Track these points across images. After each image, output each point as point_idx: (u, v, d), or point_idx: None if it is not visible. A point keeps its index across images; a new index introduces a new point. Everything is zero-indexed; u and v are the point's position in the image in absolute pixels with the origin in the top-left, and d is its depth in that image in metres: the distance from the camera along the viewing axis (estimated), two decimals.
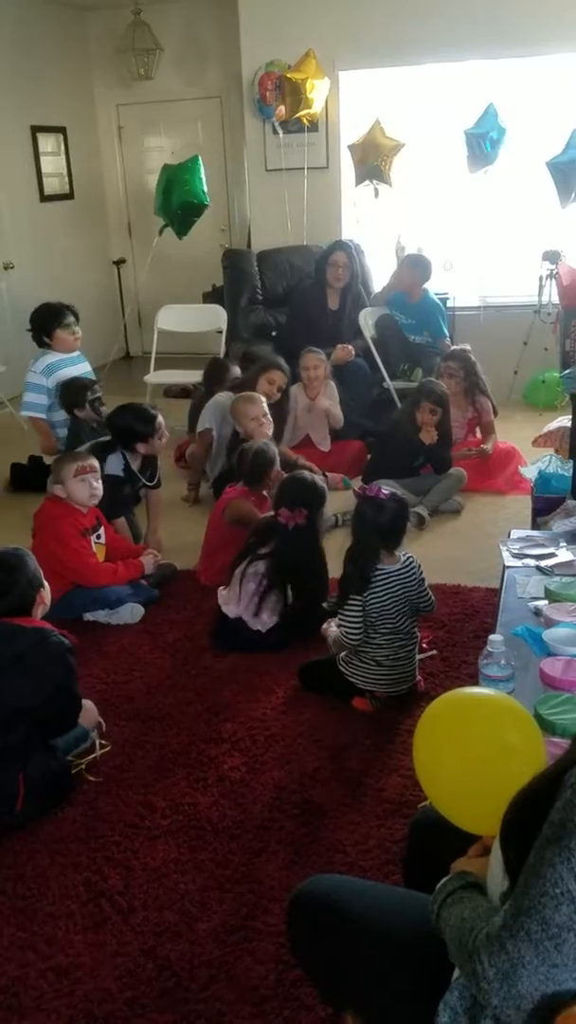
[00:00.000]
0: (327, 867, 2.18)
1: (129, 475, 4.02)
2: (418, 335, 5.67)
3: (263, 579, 3.21)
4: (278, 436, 4.63)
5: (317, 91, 5.89)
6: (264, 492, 3.79)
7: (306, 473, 3.53)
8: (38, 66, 7.26)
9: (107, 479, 3.79)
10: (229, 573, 3.31)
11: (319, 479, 3.49)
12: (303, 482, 3.37)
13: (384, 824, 2.33)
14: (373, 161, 5.84)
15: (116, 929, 2.06)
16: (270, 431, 4.31)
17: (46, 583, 2.60)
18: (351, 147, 5.97)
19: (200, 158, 6.22)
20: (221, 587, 3.36)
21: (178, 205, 6.14)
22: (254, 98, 6.30)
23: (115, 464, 3.96)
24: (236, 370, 5.15)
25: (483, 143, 5.74)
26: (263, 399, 4.40)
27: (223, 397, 4.72)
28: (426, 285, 5.63)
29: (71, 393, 4.71)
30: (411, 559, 2.84)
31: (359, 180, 6.03)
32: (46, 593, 2.59)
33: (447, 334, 5.62)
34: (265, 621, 3.24)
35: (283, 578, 3.24)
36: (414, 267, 5.63)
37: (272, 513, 3.33)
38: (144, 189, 8.34)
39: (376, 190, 6.04)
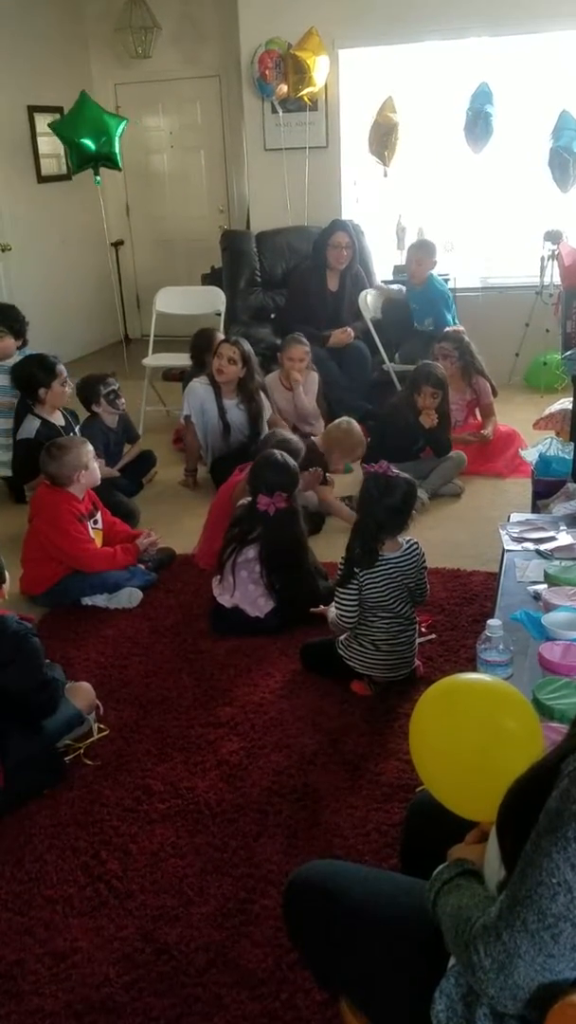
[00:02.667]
0: (325, 851, 2.19)
1: (48, 431, 4.08)
2: (423, 322, 5.62)
3: (257, 567, 3.19)
4: (253, 430, 4.58)
5: (318, 69, 5.82)
6: None
7: (276, 453, 3.34)
8: (35, 45, 7.17)
9: (20, 443, 4.02)
10: (218, 564, 3.28)
11: (290, 458, 3.34)
12: (275, 464, 3.26)
13: (382, 808, 2.32)
14: (381, 141, 5.78)
15: (114, 913, 2.06)
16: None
17: (8, 577, 2.63)
18: (374, 124, 5.89)
19: (86, 94, 5.91)
20: (215, 577, 3.33)
21: (89, 148, 5.78)
22: (254, 76, 6.22)
23: (29, 427, 4.12)
24: (221, 336, 5.09)
25: (482, 120, 5.68)
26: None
27: (197, 383, 4.67)
28: (432, 271, 5.56)
29: (85, 388, 4.57)
30: (414, 546, 2.81)
31: (373, 154, 5.99)
32: (5, 588, 2.62)
33: (452, 323, 5.50)
34: (262, 606, 3.22)
35: (278, 563, 3.21)
36: (415, 250, 5.57)
37: (248, 500, 3.28)
38: (143, 169, 8.28)
39: (385, 170, 5.98)
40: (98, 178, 5.91)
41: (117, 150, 5.76)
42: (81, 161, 5.72)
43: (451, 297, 5.63)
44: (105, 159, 5.78)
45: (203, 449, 4.76)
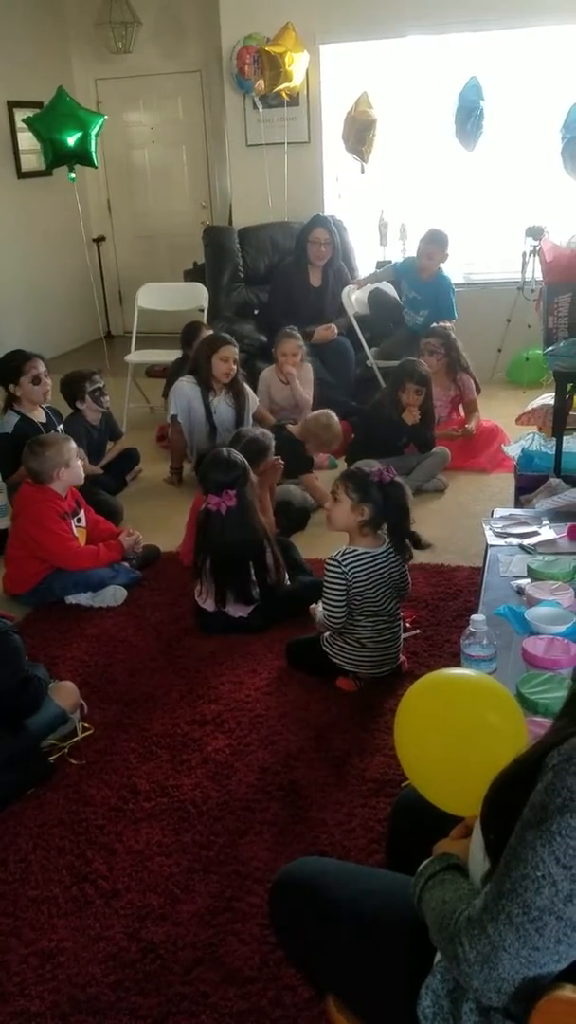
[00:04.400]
0: (311, 847, 2.19)
1: (27, 428, 4.06)
2: (418, 312, 5.58)
3: (211, 575, 3.17)
4: (240, 419, 4.57)
5: (297, 65, 5.80)
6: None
7: (222, 451, 3.30)
8: (15, 40, 7.12)
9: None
10: (193, 569, 3.26)
11: (237, 454, 3.29)
12: (219, 462, 3.23)
13: (367, 804, 2.33)
14: (357, 136, 5.77)
15: (100, 913, 2.05)
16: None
17: None
18: (348, 118, 5.87)
19: (63, 89, 5.86)
20: (194, 585, 3.30)
21: (78, 139, 5.66)
22: (232, 72, 6.20)
23: (7, 423, 4.09)
24: (208, 330, 5.08)
25: (473, 117, 5.67)
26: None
27: (184, 382, 4.63)
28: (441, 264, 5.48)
29: (70, 385, 4.53)
30: None
31: (348, 151, 5.96)
32: None
33: (456, 316, 5.44)
34: (245, 607, 3.21)
35: (234, 565, 3.17)
36: (426, 243, 5.44)
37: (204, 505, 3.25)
38: (124, 165, 8.23)
39: (362, 166, 5.97)
40: (72, 175, 5.85)
41: (93, 148, 5.70)
42: (56, 158, 5.66)
43: (452, 294, 5.60)
44: (81, 156, 5.73)
45: (188, 447, 4.75)
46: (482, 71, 5.74)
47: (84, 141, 5.59)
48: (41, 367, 4.15)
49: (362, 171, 6.02)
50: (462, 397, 5.04)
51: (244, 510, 3.18)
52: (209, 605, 3.22)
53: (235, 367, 4.51)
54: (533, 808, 1.01)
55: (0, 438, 4.06)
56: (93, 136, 5.62)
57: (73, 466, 3.53)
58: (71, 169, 5.77)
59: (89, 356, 7.44)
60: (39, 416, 4.21)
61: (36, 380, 4.11)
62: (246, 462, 3.27)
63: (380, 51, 6.18)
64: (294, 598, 3.26)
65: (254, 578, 3.21)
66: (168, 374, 5.39)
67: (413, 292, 5.56)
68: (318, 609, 2.98)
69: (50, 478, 3.48)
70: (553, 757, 1.02)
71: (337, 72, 6.26)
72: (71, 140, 5.55)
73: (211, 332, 4.96)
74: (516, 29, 5.83)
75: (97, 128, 5.67)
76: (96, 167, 5.92)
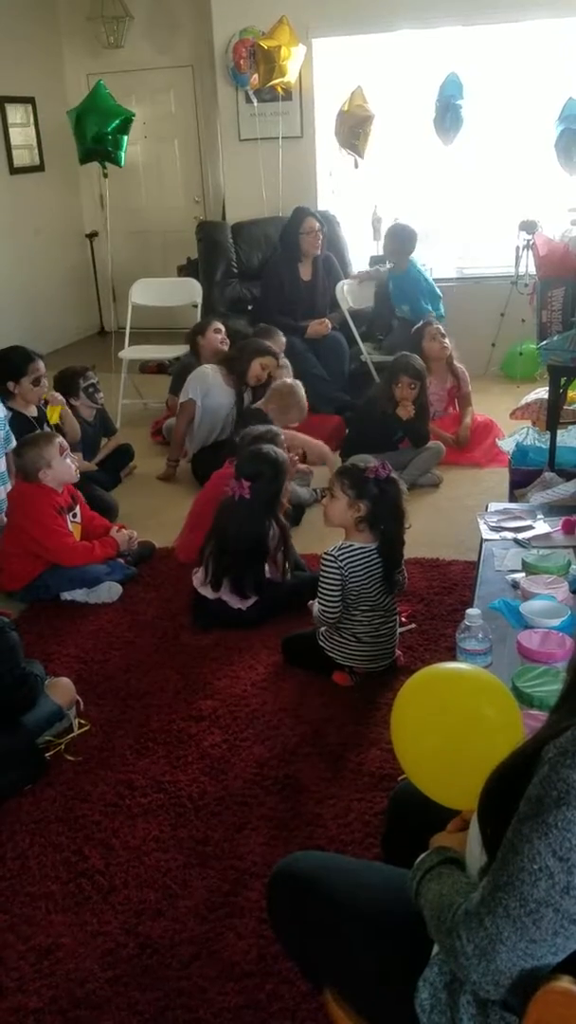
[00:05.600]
0: (308, 842, 2.19)
1: (20, 424, 4.02)
2: (400, 305, 5.61)
3: (211, 557, 3.18)
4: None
5: (292, 59, 5.78)
6: None
7: (266, 445, 3.35)
8: (5, 35, 7.08)
9: None
10: (199, 554, 3.27)
11: (278, 451, 3.33)
12: (256, 453, 3.27)
13: (364, 798, 2.33)
14: (351, 131, 5.76)
15: (97, 908, 2.05)
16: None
17: None
18: (340, 114, 5.86)
19: (102, 82, 5.92)
20: (195, 569, 3.32)
21: (95, 136, 5.65)
22: (228, 66, 6.18)
23: None
24: (218, 324, 5.14)
25: (451, 112, 5.68)
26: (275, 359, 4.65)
27: (208, 368, 4.66)
28: (413, 256, 5.54)
29: (64, 381, 4.51)
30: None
31: (341, 147, 5.95)
32: None
33: (429, 310, 5.44)
34: (244, 599, 3.21)
35: (232, 554, 3.18)
36: (391, 237, 5.55)
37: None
38: None
39: (356, 160, 5.96)
40: (106, 172, 5.91)
41: (124, 146, 5.78)
42: (88, 153, 5.71)
43: (427, 286, 5.59)
44: (113, 154, 5.77)
45: (188, 438, 4.73)
46: (474, 65, 5.75)
47: (117, 140, 5.66)
48: (42, 368, 4.14)
49: (356, 166, 6.01)
50: (458, 388, 5.03)
51: (255, 505, 3.18)
52: (208, 592, 3.22)
53: (267, 376, 4.62)
54: (529, 801, 1.01)
55: None
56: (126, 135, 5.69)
57: (56, 466, 3.49)
58: (103, 166, 5.82)
59: (83, 352, 7.43)
60: (31, 411, 4.20)
61: (36, 382, 4.10)
62: (279, 464, 3.28)
63: (371, 45, 6.17)
64: (291, 593, 3.25)
65: (255, 574, 3.21)
66: (178, 368, 5.36)
67: (393, 286, 5.61)
68: (314, 606, 2.99)
69: (33, 477, 3.47)
70: (549, 750, 1.02)
71: (329, 67, 6.24)
72: (109, 136, 5.61)
73: (214, 320, 5.15)
74: (507, 23, 5.83)
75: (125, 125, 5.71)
76: (122, 165, 5.94)
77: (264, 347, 4.71)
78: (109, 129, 5.58)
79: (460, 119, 5.73)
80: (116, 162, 5.78)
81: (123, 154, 5.79)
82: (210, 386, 4.57)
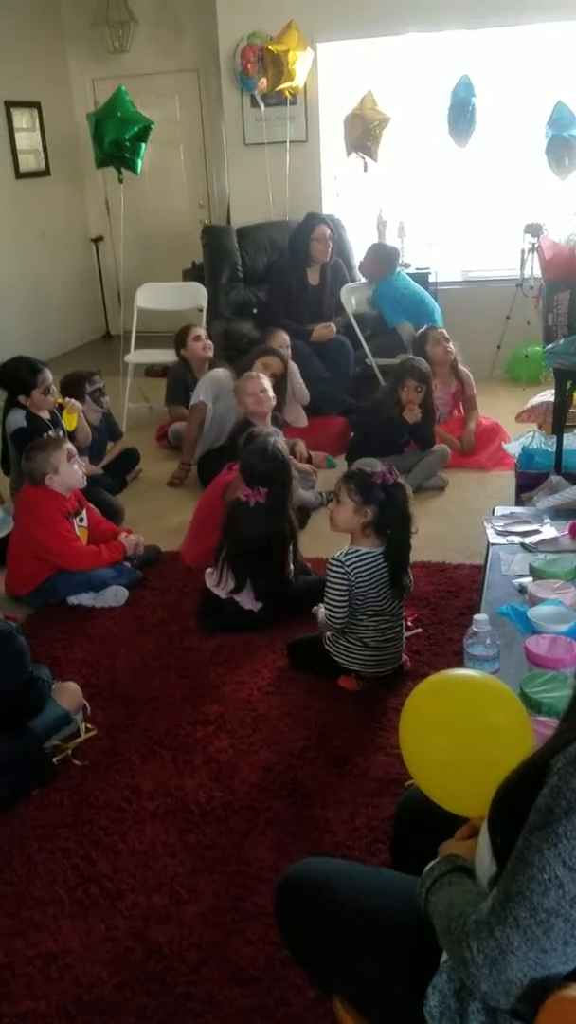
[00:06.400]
0: (315, 847, 2.19)
1: (36, 425, 4.05)
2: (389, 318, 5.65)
3: (228, 560, 3.19)
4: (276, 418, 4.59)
5: (300, 63, 5.79)
6: None
7: (268, 444, 3.32)
8: (10, 40, 7.10)
9: (14, 434, 3.98)
10: (214, 555, 3.28)
11: (280, 447, 3.33)
12: (263, 455, 3.25)
13: (371, 803, 2.33)
14: (363, 134, 5.76)
15: (105, 914, 2.06)
16: (269, 407, 4.24)
17: None
18: (348, 118, 5.87)
19: (123, 88, 5.93)
20: (208, 569, 3.33)
21: (112, 142, 5.67)
22: (235, 70, 6.19)
23: (16, 419, 4.07)
24: (197, 331, 5.18)
25: (465, 113, 5.68)
26: (260, 376, 4.31)
27: (220, 373, 4.67)
28: (383, 277, 5.59)
29: (70, 386, 4.51)
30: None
31: (349, 151, 5.95)
32: None
33: (394, 325, 5.51)
34: (255, 600, 3.22)
35: (248, 558, 3.19)
36: (376, 259, 5.63)
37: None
38: None
39: (365, 163, 5.96)
40: (121, 177, 5.94)
41: (142, 153, 5.83)
42: (107, 158, 5.75)
43: (403, 298, 5.56)
44: (131, 160, 5.81)
45: (199, 439, 4.73)
46: (479, 69, 5.74)
47: (136, 146, 5.70)
48: (49, 377, 4.15)
49: (365, 169, 6.00)
50: (463, 392, 5.03)
51: (272, 511, 3.19)
52: (221, 591, 3.22)
53: (272, 380, 4.53)
54: (539, 811, 1.01)
55: (17, 432, 4.05)
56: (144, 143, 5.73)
57: (64, 471, 3.50)
58: (119, 171, 5.85)
59: (89, 356, 7.44)
60: (44, 413, 4.22)
61: (46, 391, 4.10)
62: (286, 462, 3.29)
63: (377, 49, 6.17)
64: (303, 595, 3.25)
65: (275, 576, 3.22)
66: (169, 378, 5.39)
67: (377, 297, 5.67)
68: (320, 611, 2.99)
69: (40, 481, 3.48)
70: (559, 760, 1.02)
71: (334, 71, 6.25)
72: (128, 142, 5.65)
73: (193, 327, 5.19)
74: (513, 26, 5.83)
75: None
76: (137, 172, 5.98)
77: (267, 348, 4.71)
78: (127, 136, 5.62)
79: (474, 121, 5.73)
80: (132, 169, 5.82)
81: (140, 161, 5.82)
82: (221, 389, 4.59)
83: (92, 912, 2.06)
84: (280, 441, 3.42)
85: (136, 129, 5.66)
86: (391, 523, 2.72)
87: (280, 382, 4.67)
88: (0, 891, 2.14)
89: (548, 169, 5.69)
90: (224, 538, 3.25)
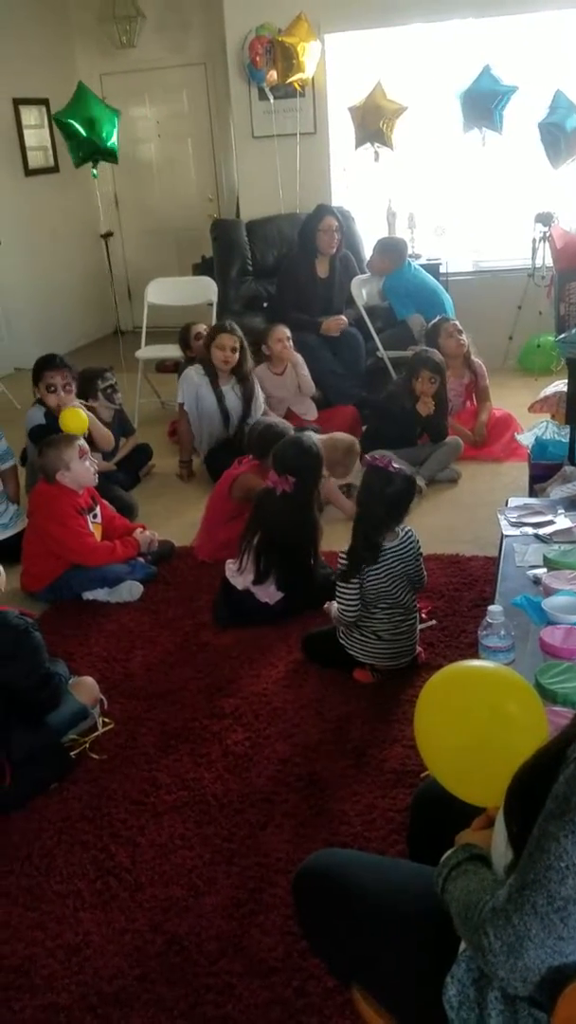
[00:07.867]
0: (332, 839, 2.20)
1: (53, 422, 4.07)
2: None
3: (252, 548, 3.19)
4: (246, 411, 4.61)
5: (309, 55, 5.77)
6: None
7: (305, 437, 3.36)
8: (18, 37, 7.12)
9: (32, 430, 4.05)
10: (239, 545, 3.27)
11: (315, 442, 3.35)
12: (298, 445, 3.26)
13: (387, 794, 2.34)
14: (374, 125, 5.73)
15: (124, 906, 2.07)
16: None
17: (3, 573, 2.69)
18: (352, 109, 5.85)
19: (83, 84, 5.94)
20: (229, 560, 3.32)
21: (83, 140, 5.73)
22: (243, 63, 6.18)
23: (35, 416, 4.13)
24: (198, 329, 5.21)
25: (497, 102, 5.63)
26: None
27: (191, 371, 4.68)
28: (391, 269, 5.55)
29: (82, 382, 4.49)
30: (410, 534, 2.82)
31: (359, 143, 5.92)
32: (2, 580, 2.69)
33: (404, 317, 5.47)
34: (273, 593, 3.22)
35: (271, 547, 3.19)
36: (379, 253, 5.60)
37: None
38: (131, 160, 8.21)
39: (376, 153, 5.92)
40: (95, 171, 5.93)
41: (116, 143, 5.82)
42: (86, 154, 5.75)
43: (414, 290, 5.52)
44: (108, 153, 5.80)
45: (197, 439, 4.76)
46: (487, 58, 5.69)
47: (108, 137, 5.70)
48: (57, 377, 4.17)
49: (376, 159, 5.96)
50: (476, 383, 5.01)
51: (298, 502, 3.18)
52: (239, 581, 3.22)
53: (234, 355, 4.56)
54: (555, 799, 1.01)
55: (34, 429, 4.09)
56: (115, 132, 5.73)
57: (75, 468, 3.51)
58: (94, 165, 5.85)
59: (99, 352, 7.46)
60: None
61: (49, 388, 4.14)
62: (319, 457, 3.29)
63: (384, 40, 6.14)
64: (321, 588, 3.23)
65: (302, 568, 3.22)
66: (179, 372, 5.40)
67: (388, 289, 5.64)
68: (332, 606, 2.99)
69: (52, 478, 3.51)
70: (574, 749, 1.02)
71: (342, 62, 6.22)
72: (101, 136, 5.65)
73: (193, 326, 5.24)
74: (520, 15, 5.79)
75: (116, 123, 5.76)
76: (117, 162, 5.98)
77: (213, 329, 4.72)
78: (97, 129, 5.64)
79: (501, 118, 5.69)
80: (111, 159, 5.83)
81: (115, 148, 5.82)
82: (197, 386, 4.60)
83: (111, 904, 2.08)
84: (316, 437, 3.44)
85: (103, 121, 5.69)
86: (386, 508, 2.71)
87: (242, 361, 4.62)
88: (20, 884, 2.16)
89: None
90: (251, 526, 3.23)
